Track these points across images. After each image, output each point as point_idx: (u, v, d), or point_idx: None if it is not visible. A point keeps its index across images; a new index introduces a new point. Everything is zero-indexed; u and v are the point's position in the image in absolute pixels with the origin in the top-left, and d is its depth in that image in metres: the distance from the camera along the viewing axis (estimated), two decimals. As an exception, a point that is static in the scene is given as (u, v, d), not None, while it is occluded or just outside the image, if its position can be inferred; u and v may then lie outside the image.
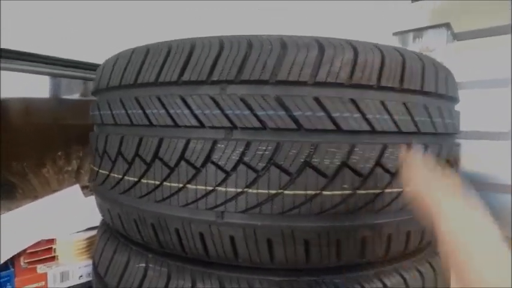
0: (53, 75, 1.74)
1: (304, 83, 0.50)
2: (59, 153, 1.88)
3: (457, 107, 0.71)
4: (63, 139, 1.83)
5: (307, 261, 0.54)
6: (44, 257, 1.12)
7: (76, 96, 2.00)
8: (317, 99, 0.50)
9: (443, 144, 0.61)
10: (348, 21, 2.27)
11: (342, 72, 0.51)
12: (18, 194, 1.77)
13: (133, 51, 0.61)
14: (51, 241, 1.14)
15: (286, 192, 0.51)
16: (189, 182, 0.54)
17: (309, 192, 0.51)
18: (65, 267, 1.10)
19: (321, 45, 0.51)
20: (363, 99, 0.52)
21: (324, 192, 0.51)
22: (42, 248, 1.12)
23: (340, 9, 2.30)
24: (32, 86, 1.75)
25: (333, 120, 0.51)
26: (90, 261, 1.15)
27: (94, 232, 1.20)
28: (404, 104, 0.54)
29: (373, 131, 0.52)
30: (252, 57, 0.51)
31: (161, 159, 0.55)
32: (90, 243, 1.19)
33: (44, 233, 1.14)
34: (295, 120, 0.50)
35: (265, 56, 0.50)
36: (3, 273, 1.01)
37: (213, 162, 0.52)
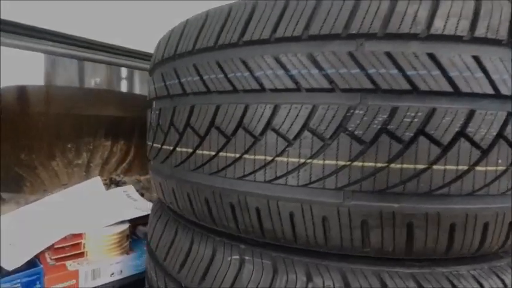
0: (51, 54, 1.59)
1: (460, 38, 0.43)
2: (69, 146, 1.75)
3: None
4: (75, 130, 1.69)
5: (447, 249, 0.47)
6: (72, 253, 1.00)
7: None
8: (476, 58, 0.43)
9: None
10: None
11: (501, 28, 0.43)
12: (26, 187, 1.64)
13: (231, 8, 0.52)
14: (80, 236, 1.03)
15: (435, 167, 0.43)
16: (313, 156, 0.45)
17: (461, 167, 0.43)
18: (96, 264, 0.99)
19: (477, -5, 0.44)
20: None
21: (478, 168, 0.44)
22: (70, 244, 1.01)
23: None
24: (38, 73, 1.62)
25: (492, 83, 0.43)
26: (121, 258, 1.04)
27: (125, 226, 1.09)
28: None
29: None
30: (400, 7, 0.42)
31: (276, 130, 0.46)
32: (121, 238, 1.08)
33: (71, 227, 1.03)
34: (451, 81, 0.42)
35: (416, 7, 0.42)
36: (32, 270, 0.89)
37: (346, 132, 0.44)
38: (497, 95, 0.44)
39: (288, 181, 0.47)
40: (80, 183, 1.34)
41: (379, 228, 0.45)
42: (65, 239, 1.01)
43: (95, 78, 1.93)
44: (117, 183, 1.82)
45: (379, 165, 0.43)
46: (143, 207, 1.25)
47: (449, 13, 0.43)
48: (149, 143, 0.71)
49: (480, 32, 0.43)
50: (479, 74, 0.43)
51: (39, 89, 1.59)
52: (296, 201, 0.47)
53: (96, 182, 1.38)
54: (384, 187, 0.44)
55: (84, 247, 1.03)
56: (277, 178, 0.47)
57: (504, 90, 0.44)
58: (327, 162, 0.45)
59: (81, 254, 1.02)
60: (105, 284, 1.01)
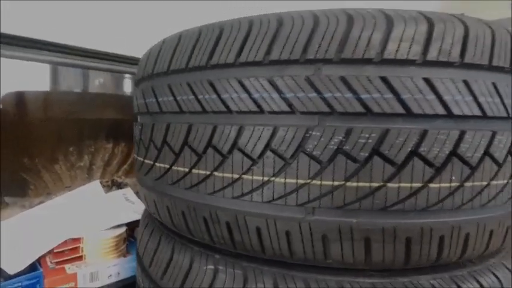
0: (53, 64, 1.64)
1: (412, 62, 0.45)
2: (71, 149, 1.80)
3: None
4: (76, 134, 1.75)
5: (405, 261, 0.49)
6: (71, 257, 1.05)
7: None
8: (427, 80, 0.45)
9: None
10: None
11: (453, 50, 0.45)
12: (30, 190, 1.70)
13: (200, 30, 0.55)
14: (78, 240, 1.08)
15: (390, 185, 0.45)
16: (275, 175, 0.48)
17: (414, 185, 0.46)
18: (94, 267, 1.04)
19: (429, 19, 0.45)
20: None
21: (431, 185, 0.46)
22: (69, 247, 1.06)
23: (338, 5, 2.23)
24: (39, 79, 1.67)
25: (444, 104, 0.45)
26: (119, 260, 1.09)
27: (121, 230, 1.14)
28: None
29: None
30: (354, 32, 0.45)
31: (241, 150, 0.49)
32: (118, 242, 1.12)
33: (70, 232, 1.08)
34: (403, 104, 0.44)
35: (369, 32, 0.44)
36: (32, 274, 0.94)
37: (305, 153, 0.46)
38: (450, 115, 0.46)
39: (253, 198, 0.49)
40: (79, 188, 1.39)
41: (339, 242, 0.48)
42: (64, 243, 1.06)
43: (99, 79, 1.98)
44: (119, 185, 1.87)
45: (336, 183, 0.46)
46: (141, 210, 1.29)
47: (402, 37, 0.45)
48: (135, 155, 0.74)
49: (432, 55, 0.45)
50: (431, 96, 0.45)
51: (38, 95, 1.64)
52: (261, 217, 0.50)
53: (95, 186, 1.43)
54: (342, 204, 0.46)
55: (82, 251, 1.08)
56: (243, 195, 0.50)
57: (456, 111, 0.46)
58: (288, 180, 0.47)
59: (80, 258, 1.07)
60: (103, 286, 1.06)
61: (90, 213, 1.21)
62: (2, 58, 1.27)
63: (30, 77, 1.60)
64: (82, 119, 1.81)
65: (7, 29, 1.22)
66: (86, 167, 1.86)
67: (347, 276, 0.51)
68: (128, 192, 1.54)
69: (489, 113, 0.47)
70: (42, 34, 1.37)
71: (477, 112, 0.47)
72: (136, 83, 0.72)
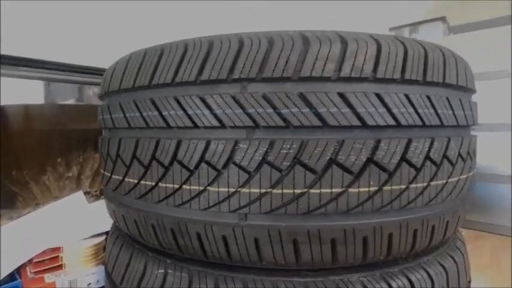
0: (48, 80, 1.71)
1: (327, 79, 0.49)
2: (59, 160, 1.85)
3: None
4: (63, 145, 1.80)
5: (333, 260, 0.53)
6: (51, 266, 1.09)
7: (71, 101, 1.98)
8: (341, 95, 0.49)
9: (464, 136, 0.60)
10: (344, 16, 2.26)
11: (366, 66, 0.50)
12: (19, 202, 1.74)
13: (145, 51, 0.60)
14: (58, 249, 1.12)
15: (311, 191, 0.50)
16: (210, 184, 0.52)
17: (334, 190, 0.50)
18: (73, 276, 1.08)
19: (343, 39, 0.50)
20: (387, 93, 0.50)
21: (350, 190, 0.50)
22: (49, 257, 1.10)
23: (337, 5, 2.29)
24: (28, 92, 1.72)
25: (358, 116, 0.49)
26: (98, 269, 1.13)
27: (101, 239, 1.18)
28: (428, 97, 0.53)
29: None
30: (274, 53, 0.49)
31: (180, 162, 0.54)
32: (97, 250, 1.16)
33: (49, 242, 1.12)
34: (319, 117, 0.49)
35: (287, 52, 0.49)
36: (10, 284, 0.98)
37: (235, 163, 0.51)
38: (365, 126, 0.50)
39: (192, 205, 0.54)
40: (61, 199, 1.43)
41: (270, 245, 0.52)
42: (44, 253, 1.10)
43: (93, 89, 2.04)
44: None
45: (263, 190, 0.50)
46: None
47: (317, 57, 0.49)
48: (107, 174, 0.77)
49: (345, 72, 0.49)
50: (346, 109, 0.49)
51: (19, 108, 1.69)
52: (200, 223, 0.54)
53: (78, 196, 1.47)
54: (269, 209, 0.50)
55: (62, 260, 1.12)
56: (183, 203, 0.54)
57: (370, 121, 0.50)
58: (221, 189, 0.52)
59: (60, 267, 1.11)
60: (83, 293, 1.10)
61: (71, 223, 1.25)
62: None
63: (21, 91, 1.66)
64: (70, 130, 1.86)
65: None
66: (74, 177, 1.90)
67: (282, 277, 0.55)
68: (112, 201, 1.57)
69: (403, 122, 0.51)
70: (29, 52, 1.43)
71: (391, 122, 0.51)
72: (102, 97, 0.77)
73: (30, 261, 1.08)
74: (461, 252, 0.69)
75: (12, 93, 1.63)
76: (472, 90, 0.65)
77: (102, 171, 0.73)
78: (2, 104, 1.61)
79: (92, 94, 2.10)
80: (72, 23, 1.53)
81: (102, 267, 1.13)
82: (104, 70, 0.74)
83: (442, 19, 2.31)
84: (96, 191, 1.91)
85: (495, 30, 1.97)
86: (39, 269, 1.06)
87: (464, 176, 0.62)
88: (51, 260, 1.10)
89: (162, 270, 0.60)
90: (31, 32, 1.43)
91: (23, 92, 1.74)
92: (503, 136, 1.75)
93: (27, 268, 1.08)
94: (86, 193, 1.63)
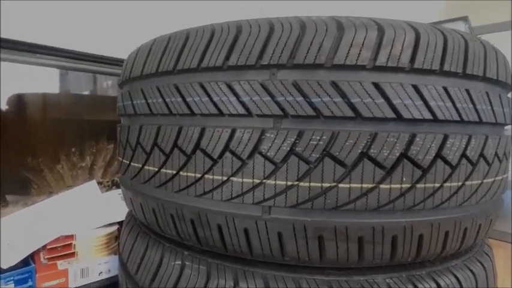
0: (62, 68, 1.71)
1: (362, 67, 0.47)
2: (73, 149, 1.86)
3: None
4: (77, 135, 1.81)
5: (359, 260, 0.51)
6: (64, 253, 1.09)
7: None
8: (376, 85, 0.46)
9: (501, 135, 0.57)
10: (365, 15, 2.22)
11: (403, 55, 0.47)
12: (33, 189, 1.76)
13: (170, 36, 0.58)
14: (71, 237, 1.12)
15: (340, 185, 0.47)
16: (233, 174, 0.50)
17: (365, 185, 0.47)
18: (85, 264, 1.08)
19: (379, 26, 0.47)
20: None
21: (382, 186, 0.47)
22: (62, 244, 1.10)
23: (357, 4, 2.25)
24: (43, 82, 1.73)
25: (393, 108, 0.47)
26: (109, 258, 1.12)
27: (113, 228, 1.17)
28: (467, 91, 0.50)
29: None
30: (306, 39, 0.47)
31: (203, 151, 0.52)
32: (110, 240, 1.16)
33: (62, 229, 1.12)
34: (352, 107, 0.46)
35: (321, 38, 0.46)
36: (24, 269, 0.98)
37: (260, 154, 0.48)
38: (400, 118, 0.47)
39: (214, 196, 0.52)
40: (75, 187, 1.43)
41: (294, 240, 0.50)
42: (57, 240, 1.10)
43: (107, 81, 2.05)
44: (119, 185, 1.91)
45: (289, 183, 0.48)
46: (133, 210, 1.32)
47: (352, 44, 0.46)
48: (125, 161, 0.77)
49: (381, 60, 0.46)
50: (380, 100, 0.46)
51: (39, 97, 1.70)
52: (221, 214, 0.52)
53: (91, 185, 1.48)
54: (295, 203, 0.48)
55: (74, 248, 1.12)
56: (205, 193, 0.52)
57: (406, 114, 0.47)
58: (245, 180, 0.50)
59: (72, 254, 1.11)
60: (94, 282, 1.10)
61: (85, 212, 1.25)
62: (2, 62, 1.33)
63: (38, 80, 1.67)
64: (85, 120, 1.87)
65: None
66: (87, 167, 1.91)
67: (304, 274, 0.52)
68: (124, 192, 1.57)
69: (440, 117, 0.48)
70: (43, 39, 1.43)
71: (428, 116, 0.48)
72: (120, 85, 0.76)
73: (43, 247, 1.08)
74: (489, 258, 0.66)
75: (28, 82, 1.64)
76: (510, 86, 0.62)
77: (119, 158, 0.72)
78: (19, 92, 1.62)
79: (105, 86, 2.11)
80: (88, 13, 1.52)
81: (113, 257, 1.13)
82: (120, 60, 0.73)
83: (464, 19, 2.25)
84: (108, 182, 1.91)
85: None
86: (52, 256, 1.07)
87: (500, 178, 0.58)
88: (64, 247, 1.10)
89: (179, 262, 0.59)
90: (47, 19, 1.43)
91: (39, 82, 1.75)
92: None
93: (41, 254, 1.08)
94: (98, 183, 1.63)
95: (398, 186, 0.48)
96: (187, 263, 0.58)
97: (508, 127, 0.66)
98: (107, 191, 1.64)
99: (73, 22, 1.49)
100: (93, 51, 1.53)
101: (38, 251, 1.08)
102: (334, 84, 0.46)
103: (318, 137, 0.47)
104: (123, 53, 0.70)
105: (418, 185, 0.48)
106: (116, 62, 1.57)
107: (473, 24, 2.20)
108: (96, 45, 1.55)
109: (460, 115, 0.50)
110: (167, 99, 0.56)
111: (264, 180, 0.49)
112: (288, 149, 0.47)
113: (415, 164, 0.48)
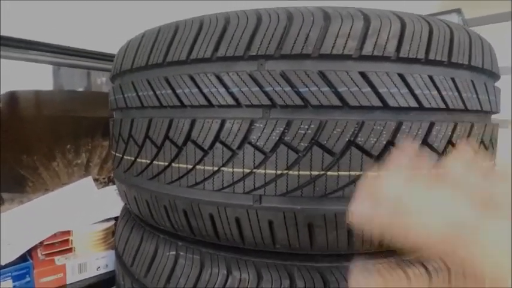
0: (56, 65, 1.71)
1: (348, 57, 0.47)
2: (68, 147, 1.85)
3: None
4: (72, 132, 1.80)
5: (349, 246, 0.52)
6: (61, 249, 1.10)
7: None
8: (363, 74, 0.47)
9: (487, 123, 0.58)
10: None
11: (389, 45, 0.48)
12: (29, 187, 1.76)
13: (159, 29, 0.58)
14: (68, 233, 1.12)
15: (329, 173, 0.48)
16: (224, 165, 0.51)
17: (353, 173, 0.48)
18: (82, 259, 1.09)
19: (365, 16, 0.48)
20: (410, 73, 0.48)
21: (370, 173, 0.48)
22: (59, 240, 1.10)
23: (340, 4, 2.25)
24: (36, 79, 1.72)
25: (380, 97, 0.47)
26: (107, 253, 1.13)
27: (110, 224, 1.18)
28: (452, 79, 0.51)
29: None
30: (293, 29, 0.47)
31: (194, 142, 0.52)
32: (107, 235, 1.17)
33: (59, 225, 1.12)
34: (339, 96, 0.47)
35: (307, 29, 0.47)
36: (22, 265, 0.99)
37: (250, 143, 0.49)
38: (386, 107, 0.48)
39: (205, 186, 0.53)
40: (71, 184, 1.44)
41: (284, 228, 0.51)
42: (54, 236, 1.10)
43: (101, 78, 2.04)
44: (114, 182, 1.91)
45: (279, 172, 0.49)
46: (129, 205, 1.33)
47: (338, 33, 0.47)
48: (118, 155, 0.78)
49: (367, 50, 0.47)
50: (367, 89, 0.47)
51: (33, 94, 1.69)
52: (213, 204, 0.53)
53: (87, 182, 1.48)
54: (285, 191, 0.49)
55: (72, 243, 1.12)
56: (197, 184, 0.53)
57: (392, 103, 0.48)
58: (235, 169, 0.50)
59: (70, 250, 1.11)
60: (92, 277, 1.11)
61: (81, 208, 1.26)
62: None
63: (31, 76, 1.66)
64: (80, 117, 1.87)
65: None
66: (83, 164, 1.91)
67: (296, 261, 0.54)
68: (121, 188, 1.58)
69: (426, 105, 0.49)
70: (39, 35, 1.43)
71: (413, 104, 0.49)
72: (111, 79, 0.76)
73: (41, 243, 1.08)
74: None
75: (21, 79, 1.63)
76: (496, 75, 0.63)
77: (113, 152, 0.72)
78: (12, 89, 1.61)
79: (100, 83, 2.10)
80: (81, 8, 1.52)
81: (111, 252, 1.14)
82: (113, 56, 0.73)
83: (457, 11, 2.25)
84: (104, 178, 1.92)
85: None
86: (50, 251, 1.07)
87: (485, 165, 0.60)
88: (61, 243, 1.11)
89: (174, 252, 0.60)
90: (39, 16, 1.43)
91: (32, 79, 1.74)
92: (504, 133, 1.72)
93: (38, 250, 1.09)
94: (94, 180, 1.64)
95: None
96: (181, 253, 0.59)
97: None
98: (103, 187, 1.64)
99: (66, 18, 1.48)
100: (87, 47, 1.52)
101: (35, 247, 1.08)
102: (321, 74, 0.47)
103: (306, 126, 0.47)
104: (116, 49, 0.70)
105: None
106: (110, 58, 1.56)
107: (472, 16, 2.21)
108: (89, 41, 1.55)
109: (445, 103, 0.51)
110: (157, 92, 0.56)
111: (254, 170, 0.49)
112: (277, 138, 0.48)
113: (402, 151, 0.49)
